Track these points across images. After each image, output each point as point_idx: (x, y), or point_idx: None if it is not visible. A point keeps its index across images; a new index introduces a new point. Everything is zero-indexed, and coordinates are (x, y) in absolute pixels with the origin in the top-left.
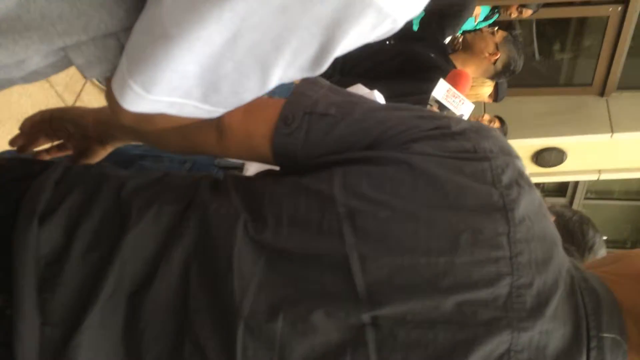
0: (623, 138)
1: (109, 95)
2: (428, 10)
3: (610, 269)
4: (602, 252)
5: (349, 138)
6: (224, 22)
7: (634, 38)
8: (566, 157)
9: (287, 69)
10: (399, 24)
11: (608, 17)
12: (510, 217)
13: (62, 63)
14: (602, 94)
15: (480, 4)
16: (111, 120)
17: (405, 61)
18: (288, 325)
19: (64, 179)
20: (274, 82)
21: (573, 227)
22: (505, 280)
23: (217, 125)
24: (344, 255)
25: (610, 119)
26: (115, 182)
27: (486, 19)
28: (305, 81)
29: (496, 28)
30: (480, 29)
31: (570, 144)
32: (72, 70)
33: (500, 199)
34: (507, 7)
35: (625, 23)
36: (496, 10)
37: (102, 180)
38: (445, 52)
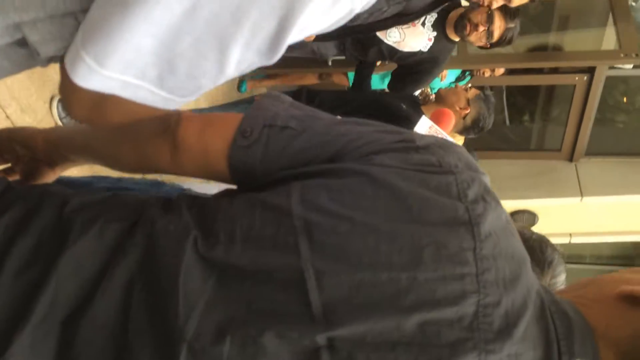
0: (592, 202)
1: (62, 76)
2: (400, 65)
3: (580, 293)
4: (560, 268)
5: (309, 151)
6: None
7: (600, 107)
8: (537, 220)
9: (245, 50)
10: (356, 7)
11: (575, 86)
12: (476, 232)
13: (17, 56)
14: (570, 159)
15: (451, 67)
16: (61, 140)
17: (377, 109)
18: (236, 347)
19: (4, 196)
20: (232, 65)
21: (532, 244)
22: (471, 299)
23: (171, 139)
24: (299, 271)
25: (579, 184)
26: (58, 200)
27: (458, 80)
28: (267, 96)
29: (469, 86)
30: (455, 85)
31: (542, 207)
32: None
33: (465, 213)
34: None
35: (591, 92)
36: (467, 73)
37: (44, 198)
38: (417, 103)
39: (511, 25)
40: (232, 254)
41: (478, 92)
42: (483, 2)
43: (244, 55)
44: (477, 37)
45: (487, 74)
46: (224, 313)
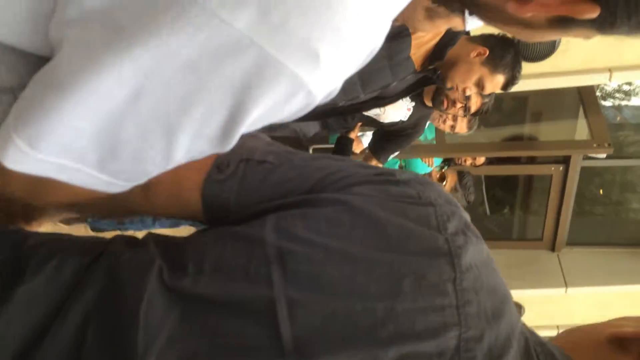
0: (577, 293)
1: None
2: (382, 131)
3: (568, 339)
4: None
5: (286, 184)
6: (125, 76)
7: (578, 199)
8: (524, 312)
9: (194, 139)
10: (316, 98)
11: (552, 176)
12: (456, 263)
13: None
14: (552, 249)
15: (429, 156)
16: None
17: None
18: None
19: None
20: (180, 153)
21: None
22: (452, 332)
23: None
24: (270, 301)
25: (563, 274)
26: (15, 238)
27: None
28: (244, 135)
29: (444, 168)
30: (430, 174)
31: (526, 298)
32: None
33: (445, 244)
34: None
35: (568, 182)
36: (445, 166)
37: (3, 234)
38: None
39: (486, 100)
40: (200, 285)
41: (455, 180)
42: (457, 88)
43: (194, 144)
44: (453, 112)
45: (469, 162)
46: (187, 347)
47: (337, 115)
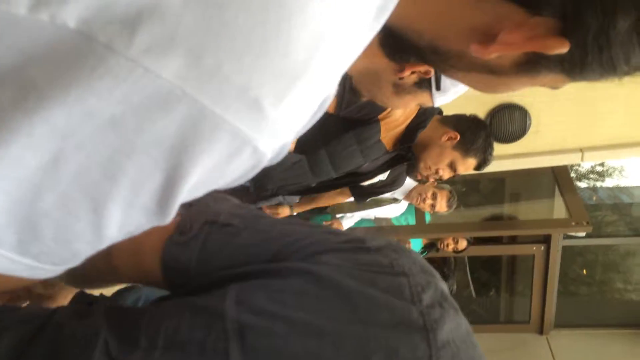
0: None
1: None
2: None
3: None
4: None
5: (250, 249)
6: (37, 138)
7: (562, 279)
8: None
9: (127, 210)
10: (264, 156)
11: (534, 256)
12: (431, 338)
13: None
14: (541, 331)
15: (410, 237)
16: None
17: None
18: None
19: None
20: (113, 228)
21: None
22: None
23: None
24: None
25: (553, 358)
26: None
27: (420, 253)
28: (210, 195)
29: (424, 254)
30: None
31: None
32: None
33: (420, 317)
34: (443, 240)
35: (550, 261)
36: (425, 252)
37: None
38: None
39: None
40: None
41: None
42: (430, 169)
43: (128, 216)
44: (429, 181)
45: (451, 246)
46: None
47: (313, 192)
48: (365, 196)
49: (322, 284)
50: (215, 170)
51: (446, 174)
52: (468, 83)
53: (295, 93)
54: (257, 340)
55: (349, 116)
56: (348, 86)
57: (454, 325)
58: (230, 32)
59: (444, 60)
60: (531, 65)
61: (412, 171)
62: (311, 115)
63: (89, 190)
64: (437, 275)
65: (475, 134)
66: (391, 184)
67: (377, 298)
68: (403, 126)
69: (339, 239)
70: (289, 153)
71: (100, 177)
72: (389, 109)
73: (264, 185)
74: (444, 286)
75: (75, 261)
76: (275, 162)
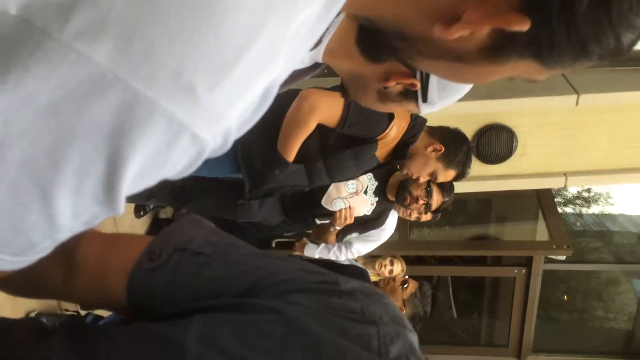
0: None
1: None
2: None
3: None
4: None
5: (220, 282)
6: None
7: (543, 305)
8: None
9: (76, 198)
10: (205, 143)
11: (515, 279)
12: None
13: None
14: (518, 356)
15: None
16: None
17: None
18: None
19: None
20: (65, 217)
21: None
22: None
23: (67, 259)
24: None
25: None
26: None
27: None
28: (186, 219)
29: (406, 277)
30: (394, 279)
31: None
32: None
33: None
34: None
35: (531, 285)
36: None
37: None
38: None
39: (447, 198)
40: None
41: (415, 287)
42: (411, 176)
43: (78, 204)
44: (415, 208)
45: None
46: None
47: (304, 195)
48: (348, 231)
49: (289, 326)
50: (157, 157)
51: (435, 195)
52: (436, 72)
53: (230, 79)
54: None
55: (347, 134)
56: (353, 108)
57: None
58: (163, 17)
59: (410, 46)
60: (497, 49)
61: (401, 194)
62: (254, 107)
63: (36, 179)
64: (408, 326)
65: (458, 147)
66: (374, 219)
67: (343, 348)
68: (395, 142)
69: (313, 279)
70: (289, 164)
71: (46, 164)
72: (387, 130)
73: (261, 184)
74: (413, 338)
75: (35, 252)
76: (220, 153)
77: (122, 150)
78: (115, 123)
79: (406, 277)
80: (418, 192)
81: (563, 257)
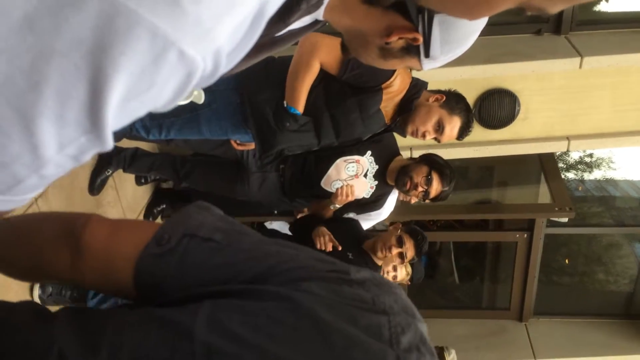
0: None
1: None
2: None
3: None
4: None
5: (230, 268)
6: None
7: (544, 269)
8: None
9: (60, 125)
10: (195, 63)
11: (517, 243)
12: None
13: None
14: (520, 318)
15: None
16: None
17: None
18: None
19: None
20: (50, 148)
21: None
22: None
23: (75, 242)
24: None
25: (531, 345)
26: None
27: None
28: (195, 205)
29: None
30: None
31: None
32: None
33: None
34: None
35: (533, 249)
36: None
37: None
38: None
39: (446, 188)
40: None
41: (413, 246)
42: (417, 133)
43: (63, 134)
44: (414, 194)
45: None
46: None
47: (304, 176)
48: (345, 211)
49: (300, 314)
50: (142, 78)
51: (435, 183)
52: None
53: None
54: None
55: (350, 82)
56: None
57: None
58: None
59: None
60: None
61: (402, 179)
62: (245, 31)
63: (15, 103)
64: (418, 316)
65: (458, 100)
66: (372, 202)
67: (355, 337)
68: (399, 97)
69: (324, 267)
70: (300, 115)
71: (24, 87)
72: (391, 79)
73: (270, 143)
74: (423, 328)
75: (22, 191)
76: (210, 82)
77: (104, 69)
78: (95, 38)
79: (399, 231)
80: (419, 178)
81: (565, 220)
